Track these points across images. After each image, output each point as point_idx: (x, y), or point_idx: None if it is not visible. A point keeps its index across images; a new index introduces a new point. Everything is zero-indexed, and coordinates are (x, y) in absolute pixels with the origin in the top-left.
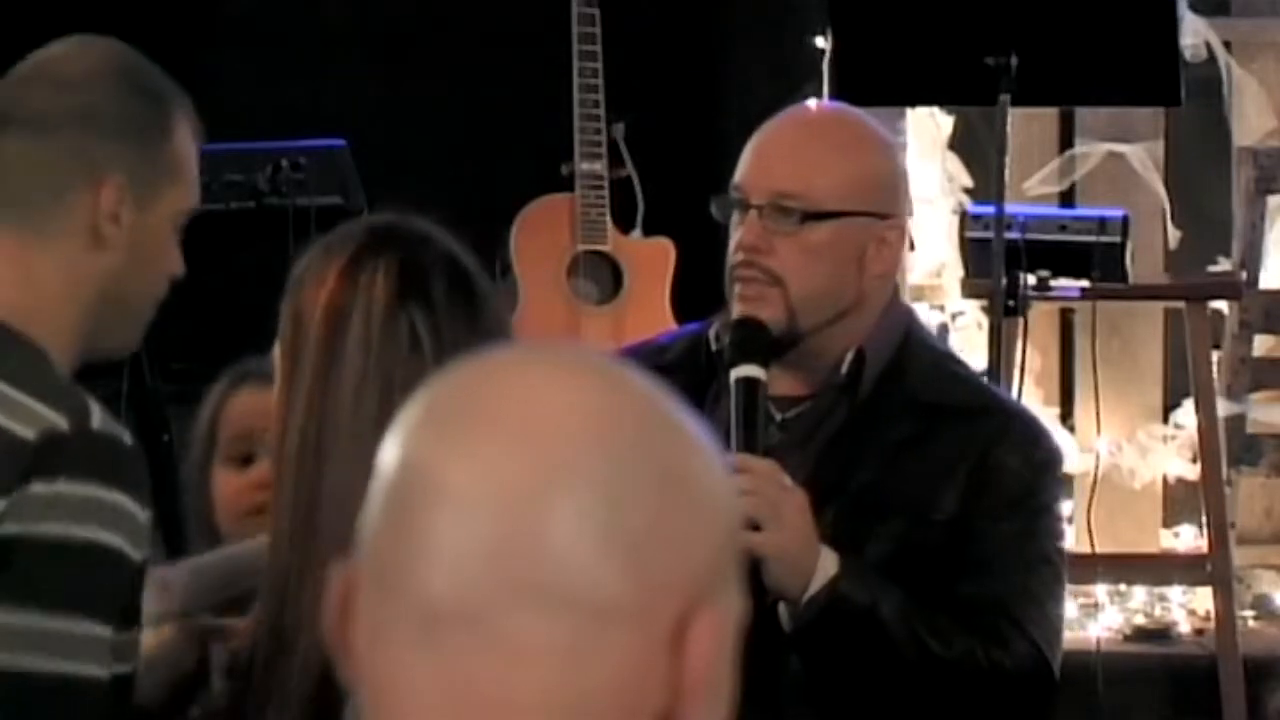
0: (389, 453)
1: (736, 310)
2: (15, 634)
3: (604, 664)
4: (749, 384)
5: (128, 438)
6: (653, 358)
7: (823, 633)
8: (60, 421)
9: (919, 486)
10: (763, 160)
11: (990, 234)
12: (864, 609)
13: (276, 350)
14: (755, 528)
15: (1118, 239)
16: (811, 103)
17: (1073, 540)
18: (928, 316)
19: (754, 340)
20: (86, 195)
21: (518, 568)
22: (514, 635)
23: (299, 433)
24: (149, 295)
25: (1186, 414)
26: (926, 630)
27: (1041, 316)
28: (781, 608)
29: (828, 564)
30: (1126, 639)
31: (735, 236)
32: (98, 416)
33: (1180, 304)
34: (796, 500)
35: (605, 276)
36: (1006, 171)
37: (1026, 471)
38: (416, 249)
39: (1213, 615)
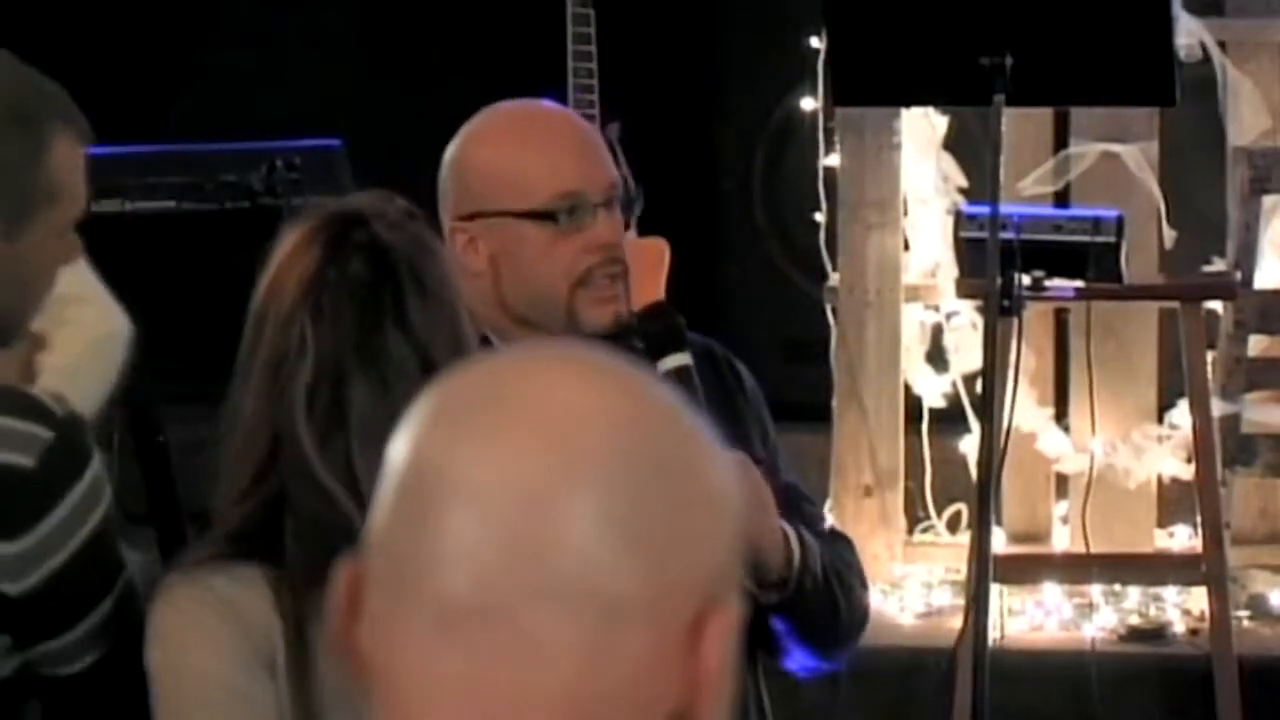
0: (400, 449)
1: (602, 312)
2: (76, 644)
3: (621, 661)
4: (684, 373)
5: (71, 406)
6: None
7: (801, 595)
8: (43, 431)
9: (727, 430)
10: (580, 160)
11: (985, 234)
12: (820, 563)
13: None
14: None
15: (1112, 239)
16: (530, 101)
17: (1068, 540)
18: (922, 316)
19: (675, 328)
20: None
21: (536, 565)
22: (532, 632)
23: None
24: (32, 301)
25: (1181, 414)
26: (846, 569)
27: (1036, 317)
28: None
29: (789, 531)
30: (1121, 639)
31: (574, 239)
32: (50, 401)
33: (1175, 304)
34: (763, 483)
35: None
36: (1001, 172)
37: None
38: (334, 252)
39: (1207, 616)
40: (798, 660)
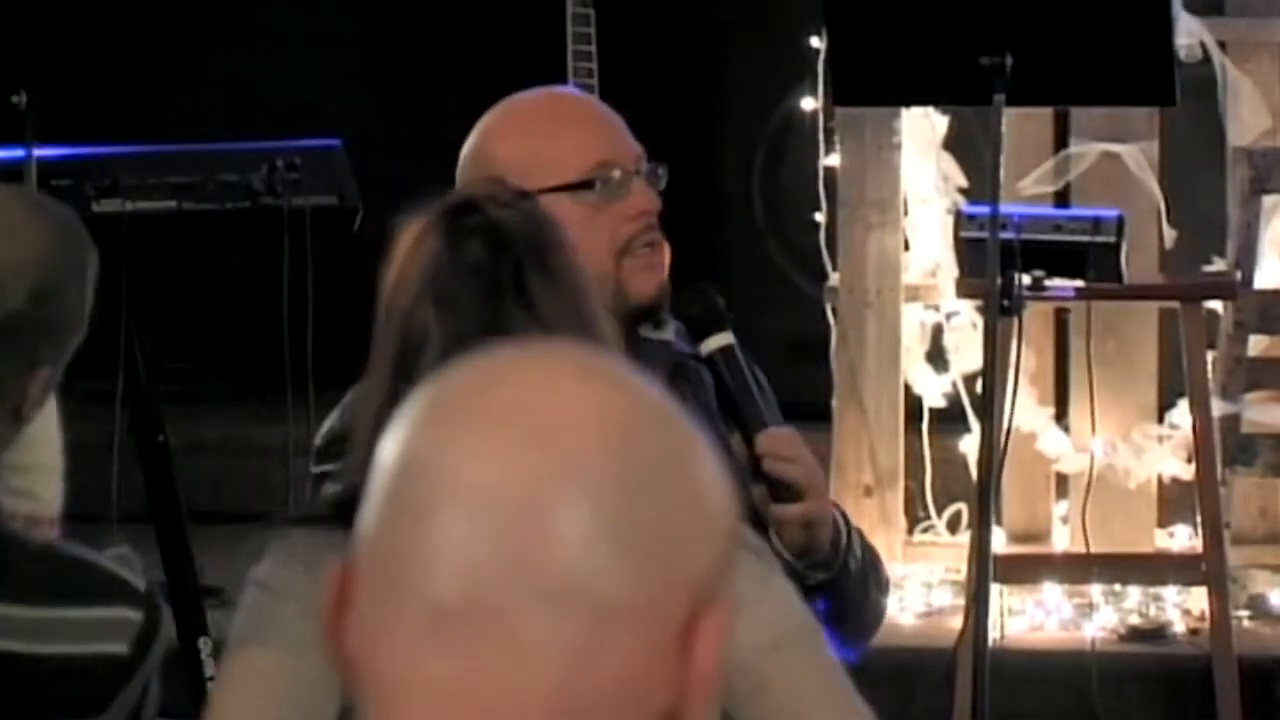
0: (390, 447)
1: (647, 280)
2: None
3: (614, 663)
4: (729, 351)
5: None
6: None
7: (844, 576)
8: (134, 614)
9: (720, 427)
10: (608, 132)
11: (985, 234)
12: (859, 545)
13: None
14: (796, 496)
15: (1113, 239)
16: (544, 87)
17: (1068, 540)
18: (922, 316)
19: (716, 308)
20: (19, 383)
21: (530, 567)
22: (525, 634)
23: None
24: None
25: (1181, 414)
26: (874, 555)
27: (1036, 316)
28: (790, 561)
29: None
30: (1121, 639)
31: (613, 208)
32: (133, 575)
33: (1175, 304)
34: (815, 460)
35: None
36: (1001, 171)
37: None
38: (450, 239)
39: (1208, 615)
40: None
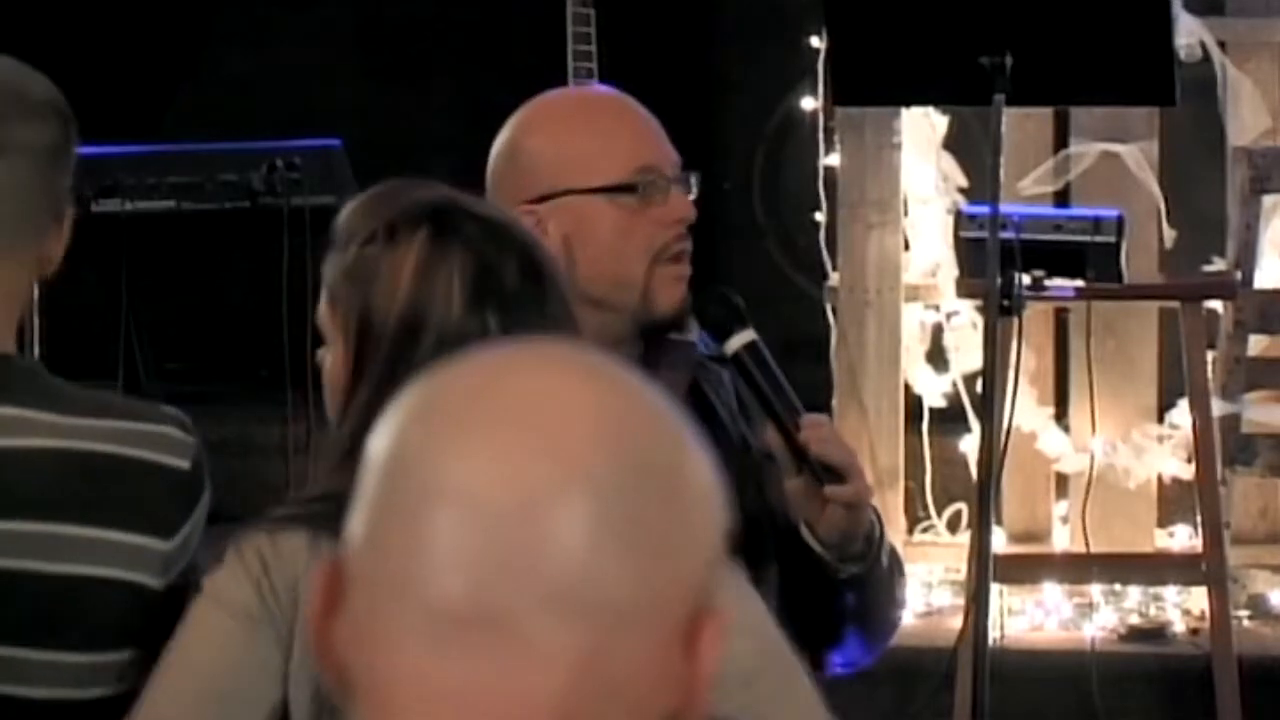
0: (383, 445)
1: (674, 292)
2: None
3: (621, 667)
4: (753, 347)
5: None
6: None
7: (874, 569)
8: (189, 439)
9: (743, 427)
10: (651, 137)
11: (985, 234)
12: (888, 543)
13: (325, 319)
14: (840, 480)
15: (1113, 239)
16: (584, 87)
17: (1068, 540)
18: (922, 316)
19: (735, 308)
20: (52, 228)
21: (533, 571)
22: (532, 639)
23: (361, 419)
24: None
25: (1181, 414)
26: (895, 551)
27: (1036, 316)
28: (823, 554)
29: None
30: (1121, 639)
31: (651, 213)
32: (177, 411)
33: (1175, 304)
34: (850, 448)
35: None
36: (1001, 171)
37: None
38: (487, 243)
39: (1208, 615)
40: (847, 651)
